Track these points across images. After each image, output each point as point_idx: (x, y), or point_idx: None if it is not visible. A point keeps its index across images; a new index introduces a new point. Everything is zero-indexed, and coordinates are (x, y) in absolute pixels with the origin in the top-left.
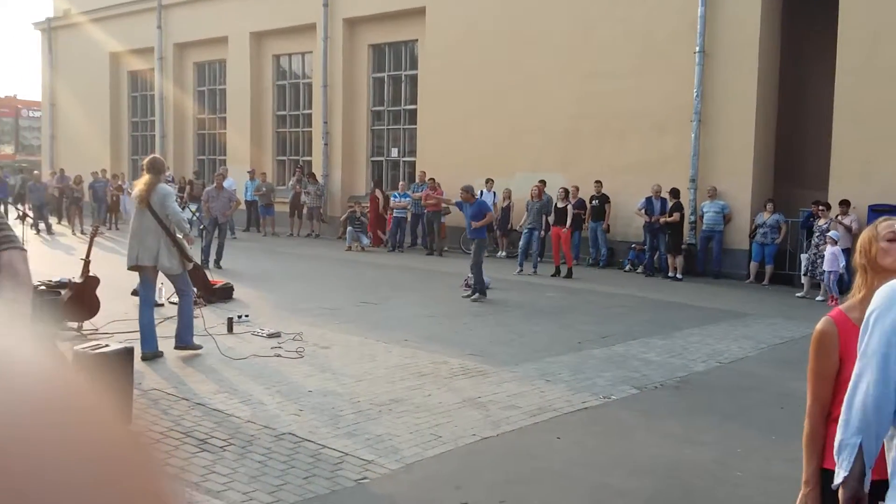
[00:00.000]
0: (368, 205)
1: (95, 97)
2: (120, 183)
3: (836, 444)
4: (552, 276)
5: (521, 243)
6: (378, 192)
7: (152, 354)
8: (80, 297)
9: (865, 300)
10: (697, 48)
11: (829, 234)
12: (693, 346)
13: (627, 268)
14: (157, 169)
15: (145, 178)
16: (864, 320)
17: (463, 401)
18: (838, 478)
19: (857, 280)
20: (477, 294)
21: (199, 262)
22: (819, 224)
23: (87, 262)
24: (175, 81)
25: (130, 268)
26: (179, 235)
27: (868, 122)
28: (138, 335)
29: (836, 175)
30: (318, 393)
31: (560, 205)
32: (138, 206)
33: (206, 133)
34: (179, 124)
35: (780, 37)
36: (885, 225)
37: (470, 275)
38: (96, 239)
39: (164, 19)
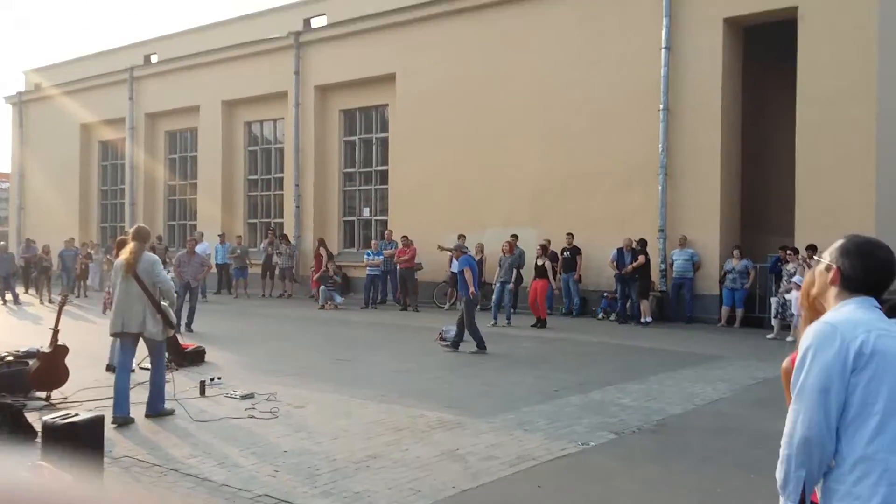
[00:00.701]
0: (311, 264)
1: (65, 167)
2: (89, 251)
3: (780, 476)
4: (532, 326)
5: (493, 297)
6: (322, 250)
7: (123, 419)
8: (48, 367)
9: None
10: (661, 106)
11: (794, 279)
12: (668, 390)
13: (600, 316)
14: (142, 237)
15: (130, 245)
16: (801, 356)
17: (441, 454)
18: None
19: (802, 324)
20: (476, 349)
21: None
22: (787, 268)
23: (55, 332)
24: (146, 150)
25: (113, 334)
26: (165, 303)
27: (829, 173)
28: (108, 403)
29: (801, 223)
30: (294, 453)
31: (539, 262)
32: (124, 274)
33: (177, 199)
34: (150, 191)
35: (742, 92)
36: None
37: (444, 328)
38: (65, 308)
39: (135, 90)
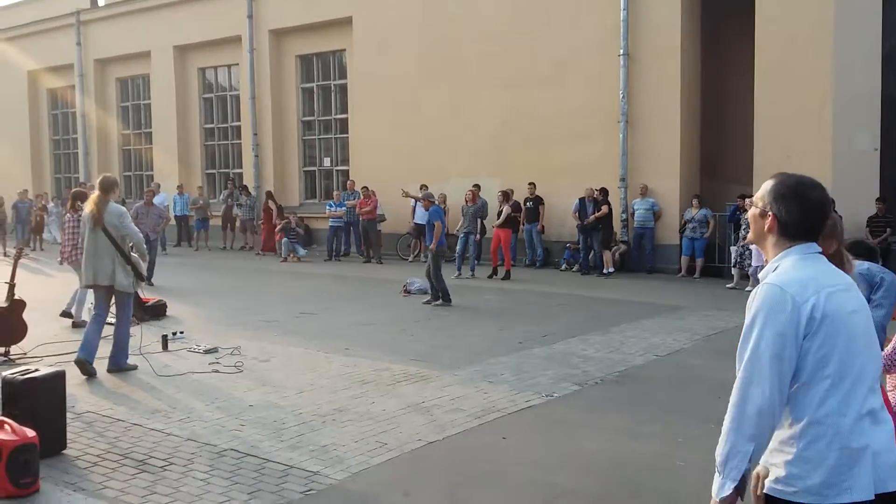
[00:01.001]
0: (261, 216)
1: (14, 116)
2: (44, 203)
3: (723, 452)
4: (489, 277)
5: (457, 247)
6: (271, 203)
7: (85, 361)
8: (5, 322)
9: None
10: (622, 51)
11: None
12: (630, 341)
13: (563, 267)
14: (106, 187)
15: (94, 196)
16: (749, 320)
17: (407, 406)
18: (727, 489)
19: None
20: (440, 301)
21: None
22: (746, 217)
23: (11, 286)
24: (97, 98)
25: (86, 286)
26: (135, 255)
27: (787, 119)
28: (68, 357)
29: (759, 171)
30: (260, 407)
31: (501, 208)
32: (92, 227)
33: (132, 149)
34: (103, 141)
35: (701, 38)
36: None
37: (408, 280)
38: (21, 261)
39: (83, 35)
